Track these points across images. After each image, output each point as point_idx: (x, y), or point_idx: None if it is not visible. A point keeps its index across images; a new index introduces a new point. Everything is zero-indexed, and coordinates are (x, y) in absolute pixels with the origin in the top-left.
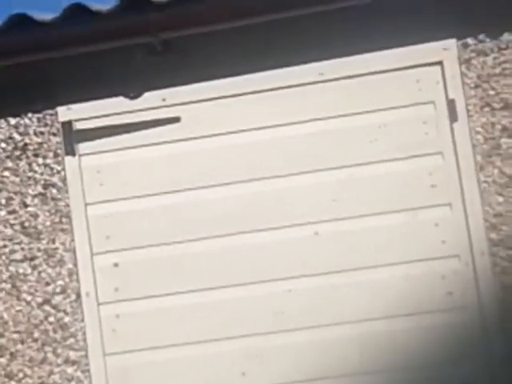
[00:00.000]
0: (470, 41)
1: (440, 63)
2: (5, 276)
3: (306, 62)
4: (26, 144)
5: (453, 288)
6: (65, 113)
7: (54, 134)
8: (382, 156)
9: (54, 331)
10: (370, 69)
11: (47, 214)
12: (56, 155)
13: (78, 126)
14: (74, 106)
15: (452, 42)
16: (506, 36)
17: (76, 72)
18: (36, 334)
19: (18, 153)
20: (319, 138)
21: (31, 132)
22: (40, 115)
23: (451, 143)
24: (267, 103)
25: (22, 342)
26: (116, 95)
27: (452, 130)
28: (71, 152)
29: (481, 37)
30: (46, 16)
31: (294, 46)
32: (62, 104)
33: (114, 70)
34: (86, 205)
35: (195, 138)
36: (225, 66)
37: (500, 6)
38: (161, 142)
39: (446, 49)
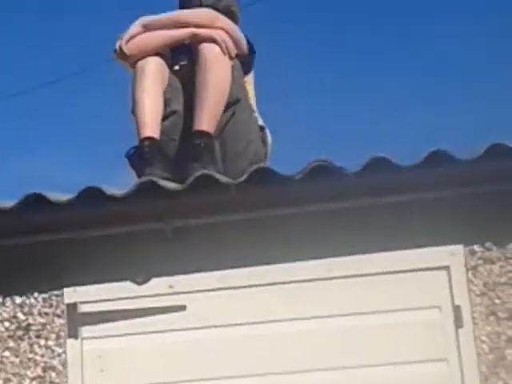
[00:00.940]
0: (476, 248)
1: (447, 268)
2: None
3: (314, 258)
4: (29, 324)
5: None
6: (71, 294)
7: (59, 316)
8: (386, 358)
9: None
10: (378, 269)
11: None
12: (58, 337)
13: (83, 308)
14: (80, 289)
15: (459, 248)
16: None
17: (84, 254)
18: None
19: (20, 333)
20: (321, 336)
21: (35, 312)
22: (46, 295)
23: (456, 350)
24: (273, 296)
25: None
26: (123, 280)
27: (457, 336)
28: (74, 335)
29: (488, 244)
30: (61, 197)
31: (303, 241)
32: (68, 285)
33: (122, 254)
34: None
35: (200, 328)
36: (233, 256)
37: (508, 215)
38: (165, 330)
39: (453, 254)
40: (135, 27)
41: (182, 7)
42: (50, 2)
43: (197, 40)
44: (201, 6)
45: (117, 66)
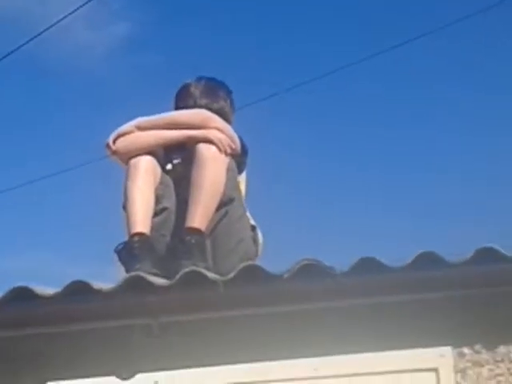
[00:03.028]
0: (465, 350)
1: (435, 370)
2: None
3: (301, 357)
4: None
5: None
6: None
7: None
8: None
9: None
10: (365, 369)
11: None
12: None
13: None
14: (63, 383)
15: (448, 350)
16: (502, 349)
17: (70, 348)
18: None
19: None
20: None
21: None
22: None
23: None
24: None
25: None
26: (108, 374)
27: None
28: None
29: (477, 347)
30: (47, 290)
31: (290, 340)
32: (52, 380)
33: (108, 349)
34: None
35: None
36: (221, 353)
37: (497, 318)
38: None
39: (442, 356)
40: (128, 126)
41: (177, 108)
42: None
43: (193, 142)
44: (195, 106)
45: (100, 165)
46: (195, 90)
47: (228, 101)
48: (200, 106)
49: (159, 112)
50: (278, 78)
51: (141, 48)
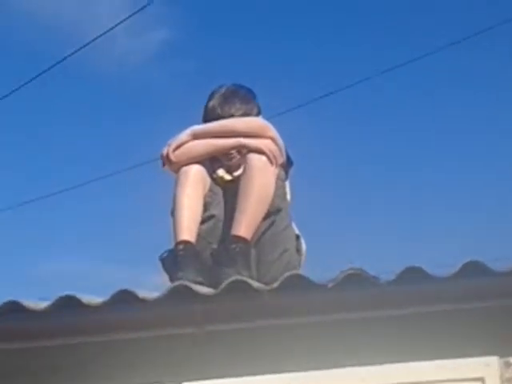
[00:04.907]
0: (511, 360)
1: (481, 379)
2: None
3: (347, 366)
4: None
5: None
6: None
7: None
8: None
9: None
10: (411, 379)
11: None
12: None
13: None
14: None
15: (494, 359)
16: None
17: (113, 357)
18: None
19: None
20: None
21: None
22: None
23: None
24: None
25: None
26: None
27: None
28: None
29: None
30: (93, 300)
31: (336, 349)
32: None
33: (152, 358)
34: None
35: None
36: (266, 362)
37: None
38: None
39: (488, 365)
40: (185, 135)
41: (205, 120)
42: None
43: (245, 151)
44: (219, 117)
45: (143, 171)
46: (220, 97)
47: (253, 105)
48: (223, 117)
49: (196, 119)
50: (311, 85)
51: (178, 54)
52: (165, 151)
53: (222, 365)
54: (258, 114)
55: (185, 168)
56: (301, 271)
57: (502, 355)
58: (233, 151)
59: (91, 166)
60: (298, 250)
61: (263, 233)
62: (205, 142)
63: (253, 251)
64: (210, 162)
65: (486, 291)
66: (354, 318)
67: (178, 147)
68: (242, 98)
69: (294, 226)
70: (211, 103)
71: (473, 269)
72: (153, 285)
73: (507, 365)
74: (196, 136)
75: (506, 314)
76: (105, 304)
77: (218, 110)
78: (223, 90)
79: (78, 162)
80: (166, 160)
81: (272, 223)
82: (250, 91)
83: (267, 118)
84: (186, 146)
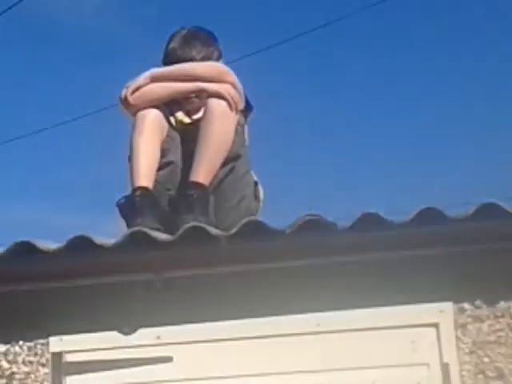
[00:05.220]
0: (466, 305)
1: (436, 325)
2: None
3: (302, 312)
4: (13, 373)
5: None
6: (56, 343)
7: (43, 365)
8: None
9: None
10: (366, 324)
11: None
12: None
13: (68, 358)
14: (66, 337)
15: (449, 305)
16: (502, 304)
17: (72, 303)
18: None
19: (3, 381)
20: None
21: (20, 360)
22: (31, 344)
23: None
24: (261, 350)
25: None
26: (110, 329)
27: None
28: None
29: (477, 302)
30: (50, 245)
31: (292, 295)
32: (54, 334)
33: (110, 304)
34: None
35: (186, 380)
36: (221, 309)
37: (498, 274)
38: (151, 381)
39: (442, 311)
40: (143, 78)
41: (165, 63)
42: None
43: (204, 95)
44: (179, 59)
45: (101, 115)
46: (181, 39)
47: (214, 48)
48: (184, 60)
49: (156, 62)
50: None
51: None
52: (123, 93)
53: (180, 311)
54: (218, 58)
55: (142, 112)
56: (259, 217)
57: (456, 301)
58: (192, 95)
59: (50, 113)
60: (257, 197)
61: (222, 179)
62: (163, 85)
63: (211, 198)
64: (168, 105)
65: (440, 238)
66: (311, 263)
67: (136, 90)
68: (203, 40)
69: (252, 172)
70: (171, 45)
71: (429, 215)
72: (110, 232)
73: (461, 311)
74: (155, 79)
75: (460, 261)
76: (61, 250)
77: (179, 52)
78: (184, 32)
79: (38, 109)
80: (124, 102)
81: (231, 170)
82: (211, 34)
83: (229, 62)
84: (145, 88)
